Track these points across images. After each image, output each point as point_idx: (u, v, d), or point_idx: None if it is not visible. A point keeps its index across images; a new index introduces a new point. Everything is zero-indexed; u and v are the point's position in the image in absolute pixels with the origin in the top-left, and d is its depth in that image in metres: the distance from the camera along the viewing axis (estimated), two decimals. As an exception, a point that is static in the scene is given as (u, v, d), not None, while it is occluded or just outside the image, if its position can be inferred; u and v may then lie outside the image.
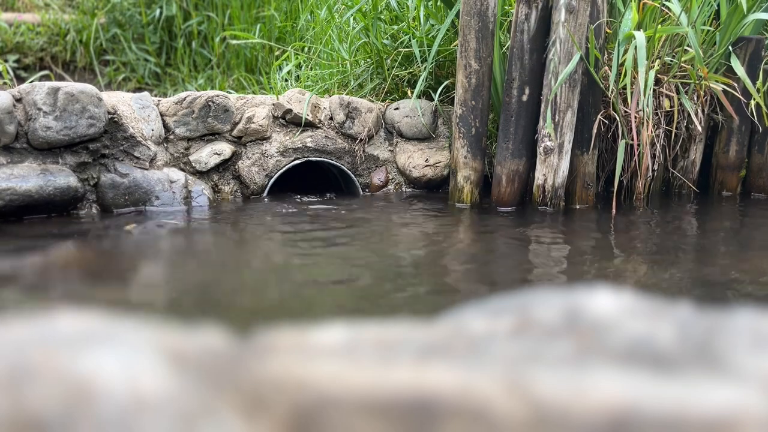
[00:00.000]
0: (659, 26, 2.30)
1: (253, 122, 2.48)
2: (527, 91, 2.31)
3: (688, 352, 0.32)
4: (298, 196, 2.53)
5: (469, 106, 2.40)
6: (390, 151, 2.71)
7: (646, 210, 2.38)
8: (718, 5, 2.58)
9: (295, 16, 4.13)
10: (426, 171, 2.63)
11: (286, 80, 3.28)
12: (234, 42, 4.08)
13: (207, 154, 2.42)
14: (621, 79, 2.28)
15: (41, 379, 0.26)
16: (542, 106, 2.28)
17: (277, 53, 3.97)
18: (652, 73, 2.21)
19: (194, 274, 1.64)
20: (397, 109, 2.68)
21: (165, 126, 2.39)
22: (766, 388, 0.28)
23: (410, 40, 2.73)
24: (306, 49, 3.30)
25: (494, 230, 2.13)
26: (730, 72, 2.54)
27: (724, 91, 2.46)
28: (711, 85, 2.42)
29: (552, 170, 2.30)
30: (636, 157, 2.35)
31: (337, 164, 2.61)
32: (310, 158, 2.55)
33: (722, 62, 2.57)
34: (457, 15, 2.48)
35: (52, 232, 1.94)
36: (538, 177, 2.32)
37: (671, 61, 2.42)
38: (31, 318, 0.31)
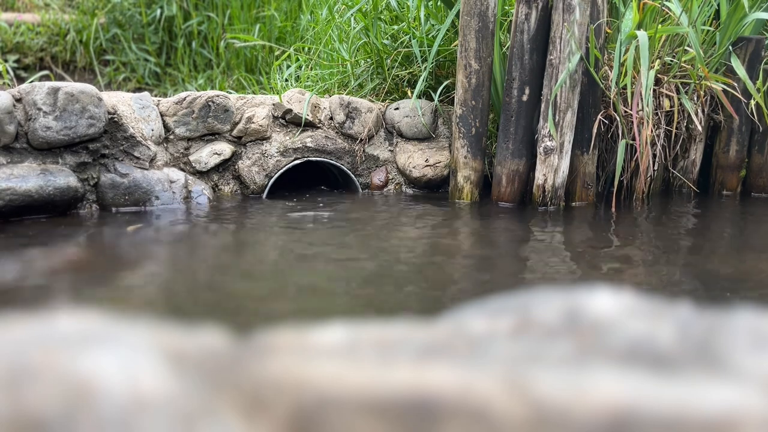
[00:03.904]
0: (659, 26, 2.30)
1: (253, 122, 2.48)
2: (527, 91, 2.31)
3: (688, 352, 0.32)
4: (298, 197, 2.52)
5: (469, 106, 2.40)
6: (390, 151, 2.71)
7: (646, 210, 2.38)
8: (718, 5, 2.58)
9: (295, 16, 4.13)
10: (426, 171, 2.63)
11: (287, 80, 3.28)
12: (238, 44, 4.08)
13: (207, 154, 2.43)
14: (621, 79, 2.28)
15: (41, 379, 0.26)
16: (542, 106, 2.28)
17: (277, 53, 3.97)
18: (652, 73, 2.21)
19: (193, 274, 1.64)
20: (397, 109, 2.68)
21: (165, 126, 2.39)
22: (766, 388, 0.28)
23: (410, 40, 2.73)
24: (306, 49, 3.30)
25: (494, 230, 2.13)
26: (729, 72, 2.54)
27: (724, 91, 2.46)
28: (711, 85, 2.42)
29: (552, 170, 2.30)
30: (636, 156, 2.35)
31: (338, 164, 2.61)
32: (310, 158, 2.55)
33: (722, 62, 2.57)
34: (457, 15, 2.48)
35: (52, 231, 1.94)
36: (538, 177, 2.32)
37: (671, 61, 2.42)
38: (31, 318, 0.31)
